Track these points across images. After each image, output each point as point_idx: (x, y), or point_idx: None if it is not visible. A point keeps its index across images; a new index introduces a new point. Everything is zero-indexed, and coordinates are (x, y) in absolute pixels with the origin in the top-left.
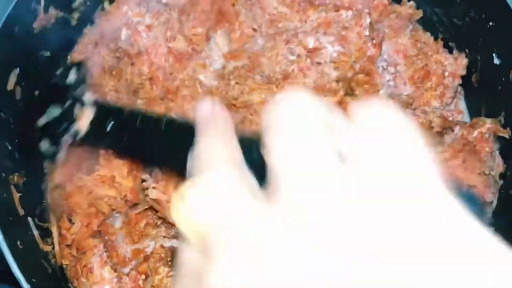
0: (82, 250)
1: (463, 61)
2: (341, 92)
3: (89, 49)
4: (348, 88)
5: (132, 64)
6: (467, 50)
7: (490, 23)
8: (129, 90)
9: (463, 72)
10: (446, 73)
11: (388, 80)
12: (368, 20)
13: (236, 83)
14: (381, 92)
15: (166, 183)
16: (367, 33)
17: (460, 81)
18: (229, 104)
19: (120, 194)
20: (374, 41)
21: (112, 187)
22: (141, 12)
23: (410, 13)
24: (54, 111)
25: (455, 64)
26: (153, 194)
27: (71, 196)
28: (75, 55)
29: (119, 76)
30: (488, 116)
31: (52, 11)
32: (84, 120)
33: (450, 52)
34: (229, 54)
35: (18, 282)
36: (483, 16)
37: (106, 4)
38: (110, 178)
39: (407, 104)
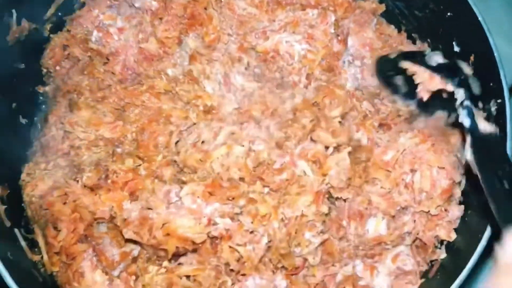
0: (72, 256)
1: (427, 51)
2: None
3: (58, 53)
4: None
5: (106, 63)
6: (429, 40)
7: (449, 13)
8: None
9: None
10: None
11: (355, 73)
12: (333, 17)
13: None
14: (348, 85)
15: None
16: (332, 30)
17: None
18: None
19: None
20: (339, 38)
21: (101, 203)
22: (113, 15)
23: (373, 7)
24: None
25: None
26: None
27: (53, 204)
28: (45, 61)
29: (91, 75)
30: None
31: (25, 23)
32: None
33: (414, 43)
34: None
35: None
36: (442, 7)
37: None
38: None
39: (375, 95)
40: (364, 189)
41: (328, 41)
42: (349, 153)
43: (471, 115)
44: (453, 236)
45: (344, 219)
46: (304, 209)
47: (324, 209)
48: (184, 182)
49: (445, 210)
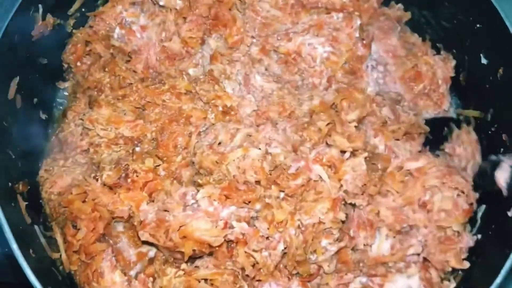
0: (91, 255)
1: (452, 62)
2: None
3: (79, 48)
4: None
5: (128, 61)
6: (454, 51)
7: (478, 25)
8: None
9: (452, 73)
10: (440, 81)
11: (377, 78)
12: (359, 22)
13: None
14: (369, 89)
15: None
16: (357, 34)
17: (450, 83)
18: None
19: (127, 214)
20: (364, 42)
21: (120, 202)
22: (136, 12)
23: (398, 15)
24: None
25: (444, 67)
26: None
27: (72, 202)
28: (66, 56)
29: (112, 72)
30: None
31: (50, 18)
32: None
33: (438, 52)
34: (213, 56)
35: None
36: (471, 18)
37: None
38: (126, 204)
39: (396, 101)
40: (375, 199)
41: (352, 45)
42: (365, 159)
43: None
44: (466, 264)
45: (352, 228)
46: (322, 216)
47: (342, 216)
48: (200, 185)
49: (459, 235)
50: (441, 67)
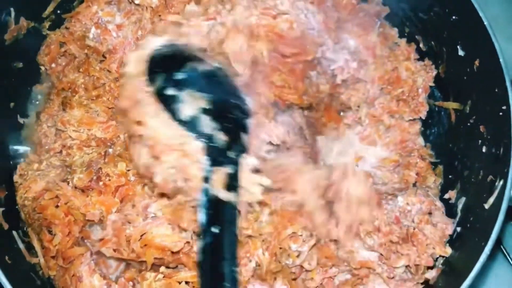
0: (69, 259)
1: (433, 72)
2: None
3: (53, 50)
4: None
5: (102, 61)
6: (433, 43)
7: (454, 17)
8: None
9: (432, 83)
10: (420, 90)
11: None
12: None
13: None
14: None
15: None
16: None
17: (429, 92)
18: None
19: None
20: None
21: (92, 205)
22: (112, 12)
23: (377, 10)
24: None
25: (426, 76)
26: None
27: (45, 208)
28: (40, 57)
29: (87, 73)
30: None
31: (23, 21)
32: None
33: (417, 45)
34: None
35: None
36: (447, 10)
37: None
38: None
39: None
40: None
41: None
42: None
43: None
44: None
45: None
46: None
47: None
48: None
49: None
50: (422, 76)
